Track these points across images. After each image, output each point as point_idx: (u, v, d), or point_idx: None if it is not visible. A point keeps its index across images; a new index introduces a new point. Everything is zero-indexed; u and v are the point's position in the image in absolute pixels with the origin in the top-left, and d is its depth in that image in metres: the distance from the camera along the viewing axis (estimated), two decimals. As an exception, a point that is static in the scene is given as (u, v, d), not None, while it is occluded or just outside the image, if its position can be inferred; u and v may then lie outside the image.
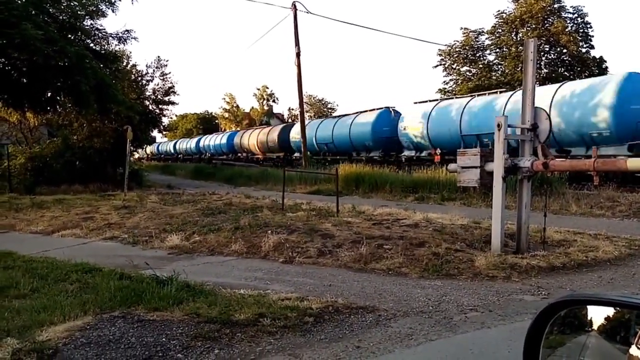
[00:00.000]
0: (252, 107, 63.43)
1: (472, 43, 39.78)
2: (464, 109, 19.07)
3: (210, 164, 39.25)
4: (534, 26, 36.41)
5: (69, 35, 16.84)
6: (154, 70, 24.03)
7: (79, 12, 17.23)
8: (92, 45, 18.28)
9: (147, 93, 24.34)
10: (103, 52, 18.74)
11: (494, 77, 37.90)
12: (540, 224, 7.37)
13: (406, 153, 22.47)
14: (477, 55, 40.35)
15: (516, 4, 37.37)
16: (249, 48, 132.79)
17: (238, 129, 49.99)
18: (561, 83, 17.11)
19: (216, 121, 67.13)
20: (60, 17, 16.99)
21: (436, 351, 3.80)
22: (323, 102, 67.36)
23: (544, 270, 6.07)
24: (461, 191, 13.62)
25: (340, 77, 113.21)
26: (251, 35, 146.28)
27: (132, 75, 23.47)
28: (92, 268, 6.17)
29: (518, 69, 34.63)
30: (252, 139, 37.08)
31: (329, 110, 63.85)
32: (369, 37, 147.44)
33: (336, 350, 3.77)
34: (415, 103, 23.26)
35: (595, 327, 1.30)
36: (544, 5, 35.67)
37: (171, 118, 33.90)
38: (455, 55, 40.33)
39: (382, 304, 4.88)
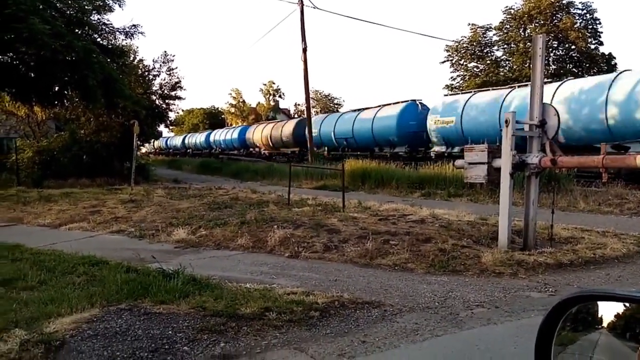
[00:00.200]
0: (259, 103, 63.46)
1: (480, 39, 39.57)
2: (503, 101, 17.55)
3: (217, 158, 39.08)
4: (542, 22, 36.16)
5: (76, 30, 16.93)
6: (160, 65, 24.14)
7: (86, 7, 17.31)
8: (99, 39, 18.37)
9: (154, 88, 24.46)
10: (110, 46, 18.83)
11: (501, 73, 37.68)
12: (547, 220, 7.32)
13: (436, 149, 20.95)
14: (485, 51, 40.14)
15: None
16: (256, 43, 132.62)
17: (244, 124, 49.90)
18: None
19: (222, 116, 67.17)
20: (68, 12, 17.07)
21: (442, 347, 3.79)
22: (329, 98, 67.34)
23: (551, 267, 6.03)
24: (468, 187, 13.56)
25: (346, 73, 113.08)
26: (258, 31, 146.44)
27: (139, 70, 23.57)
28: (99, 261, 6.20)
29: (526, 65, 34.40)
30: (264, 133, 35.64)
31: (335, 106, 63.82)
32: (376, 32, 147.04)
33: (342, 344, 3.76)
34: (446, 95, 22.25)
35: (605, 324, 1.29)
36: (553, 1, 35.41)
37: (178, 113, 33.76)
38: (462, 51, 40.15)
39: (388, 299, 4.88)
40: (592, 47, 36.81)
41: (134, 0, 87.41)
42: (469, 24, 44.56)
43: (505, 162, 6.72)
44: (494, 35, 39.63)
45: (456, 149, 19.07)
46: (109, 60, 17.66)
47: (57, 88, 18.00)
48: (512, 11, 37.94)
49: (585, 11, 36.88)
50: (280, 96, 63.22)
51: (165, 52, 26.29)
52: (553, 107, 7.05)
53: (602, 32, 37.14)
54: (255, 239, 7.59)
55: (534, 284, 5.41)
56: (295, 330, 4.02)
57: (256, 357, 3.55)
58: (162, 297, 4.60)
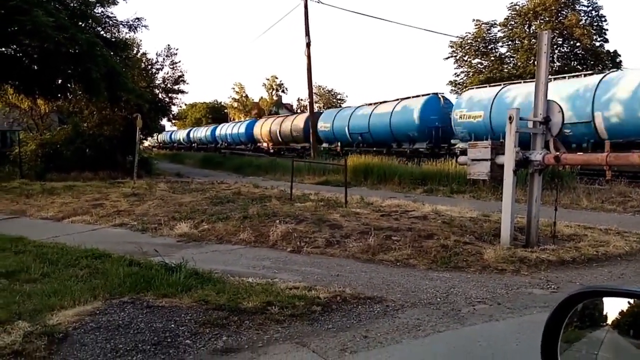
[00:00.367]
0: (262, 97, 63.27)
1: (484, 35, 39.42)
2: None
3: (221, 153, 38.83)
4: (547, 19, 35.97)
5: (80, 23, 16.91)
6: (163, 59, 24.12)
7: (89, 0, 17.27)
8: (102, 32, 18.36)
9: (157, 81, 24.46)
10: (113, 40, 18.82)
11: (505, 70, 37.56)
12: (550, 218, 7.30)
13: (461, 145, 19.36)
14: (489, 47, 39.99)
15: (530, -4, 36.95)
16: (259, 38, 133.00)
17: (247, 118, 49.83)
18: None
19: (225, 111, 67.10)
20: (71, 5, 17.06)
21: (444, 342, 3.80)
22: (332, 93, 67.19)
23: (554, 264, 6.02)
24: (471, 184, 13.54)
25: (350, 68, 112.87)
26: (261, 25, 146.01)
27: (142, 64, 23.55)
28: (101, 254, 6.22)
29: (530, 62, 34.26)
30: (273, 128, 34.23)
31: (339, 101, 63.70)
32: (380, 27, 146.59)
33: (343, 339, 3.77)
34: (472, 88, 21.54)
35: (610, 320, 1.28)
36: (558, -3, 35.21)
37: (180, 107, 33.74)
38: (466, 47, 39.99)
39: (390, 294, 4.88)
40: (597, 44, 36.66)
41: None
42: (474, 20, 44.48)
43: (508, 159, 6.70)
44: (498, 31, 39.54)
45: (484, 145, 18.48)
46: (112, 53, 17.66)
47: (60, 81, 18.02)
48: (517, 7, 37.77)
49: (590, 8, 36.81)
50: (283, 91, 63.04)
51: (168, 45, 26.11)
52: (557, 104, 7.02)
53: (607, 30, 37.08)
54: (257, 234, 7.60)
55: (536, 281, 5.40)
56: (297, 325, 4.03)
57: (258, 351, 3.56)
58: (165, 291, 4.61)
